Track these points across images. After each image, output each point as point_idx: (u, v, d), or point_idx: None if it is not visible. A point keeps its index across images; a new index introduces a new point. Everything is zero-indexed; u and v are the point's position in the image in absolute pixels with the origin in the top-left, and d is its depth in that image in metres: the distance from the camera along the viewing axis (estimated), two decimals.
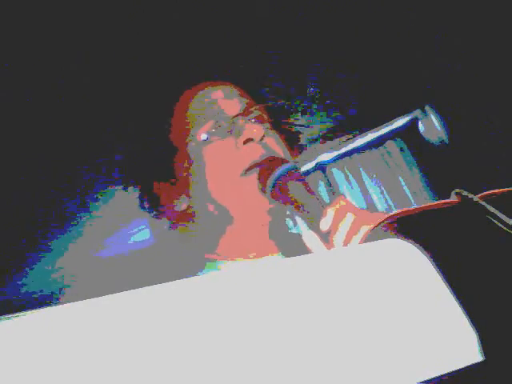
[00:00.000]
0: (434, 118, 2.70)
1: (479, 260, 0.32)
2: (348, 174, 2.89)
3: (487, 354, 0.27)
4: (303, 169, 2.92)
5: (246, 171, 0.70)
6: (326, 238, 0.62)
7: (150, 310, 0.25)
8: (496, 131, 2.26)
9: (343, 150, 2.88)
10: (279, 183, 0.66)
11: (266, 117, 0.79)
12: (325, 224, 0.62)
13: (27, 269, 2.27)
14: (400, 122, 2.80)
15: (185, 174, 0.75)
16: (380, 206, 2.79)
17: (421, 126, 2.78)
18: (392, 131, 2.83)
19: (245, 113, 0.75)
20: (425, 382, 0.26)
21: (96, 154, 1.67)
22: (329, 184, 2.91)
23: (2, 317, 0.24)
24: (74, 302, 0.26)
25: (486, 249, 0.32)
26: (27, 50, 1.35)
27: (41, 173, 1.79)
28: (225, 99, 0.77)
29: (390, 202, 2.77)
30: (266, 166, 0.69)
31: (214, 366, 0.23)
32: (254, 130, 0.72)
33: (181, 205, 0.76)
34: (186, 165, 0.75)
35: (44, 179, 1.82)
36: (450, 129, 2.63)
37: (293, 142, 0.83)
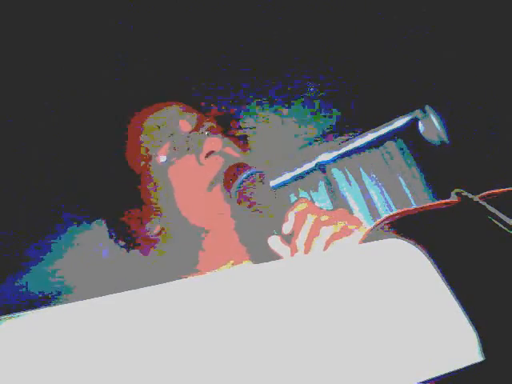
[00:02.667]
0: (434, 118, 2.70)
1: (479, 260, 0.32)
2: (348, 173, 2.89)
3: (487, 354, 0.27)
4: (303, 169, 2.92)
5: (210, 185, 0.71)
6: (289, 241, 0.63)
7: (148, 310, 0.25)
8: (496, 131, 2.26)
9: (343, 150, 2.88)
10: (242, 188, 0.67)
11: (216, 126, 0.79)
12: (286, 228, 0.63)
13: (27, 269, 2.27)
14: (400, 122, 2.80)
15: (152, 197, 0.75)
16: (380, 206, 2.79)
17: (421, 126, 2.78)
18: (392, 131, 2.83)
19: (198, 127, 0.76)
20: (425, 382, 0.26)
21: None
22: (329, 184, 2.91)
23: (2, 317, 0.24)
24: (73, 302, 0.26)
25: (486, 249, 0.32)
26: None
27: (40, 173, 1.79)
28: (176, 118, 0.77)
29: (390, 202, 2.77)
30: (229, 173, 0.70)
31: (213, 365, 0.23)
32: (213, 142, 0.73)
33: (153, 228, 0.75)
34: (151, 189, 0.74)
35: (43, 180, 1.82)
36: (449, 129, 2.63)
37: (242, 143, 0.84)
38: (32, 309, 0.25)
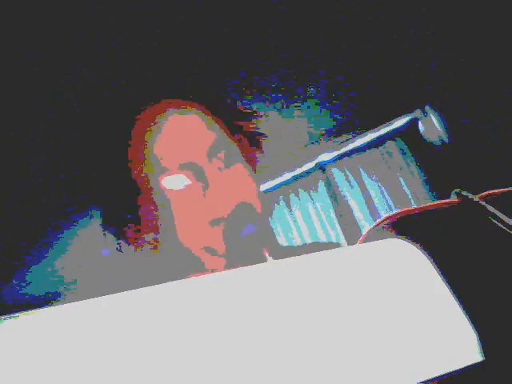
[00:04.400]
0: (433, 118, 2.70)
1: (479, 260, 0.32)
2: (348, 174, 2.89)
3: (487, 354, 0.27)
4: (303, 169, 2.92)
5: (213, 221, 0.66)
6: None
7: (149, 310, 0.25)
8: (496, 131, 2.26)
9: (343, 150, 2.88)
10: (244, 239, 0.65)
11: (235, 148, 0.72)
12: None
13: (27, 269, 2.27)
14: (400, 121, 2.80)
15: (150, 215, 0.70)
16: (380, 206, 2.79)
17: (421, 126, 2.78)
18: (392, 131, 2.84)
19: (212, 153, 0.68)
20: (425, 382, 0.26)
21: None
22: (329, 184, 2.91)
23: (2, 317, 0.24)
24: (74, 302, 0.26)
25: (486, 249, 0.32)
26: None
27: (41, 173, 1.79)
28: (188, 138, 0.68)
29: (390, 202, 2.77)
30: (232, 217, 0.66)
31: (213, 366, 0.23)
32: (222, 180, 0.67)
33: (148, 237, 0.71)
34: (151, 208, 0.69)
35: (44, 179, 1.82)
36: (449, 129, 2.63)
37: (257, 149, 0.79)
38: (32, 309, 0.25)
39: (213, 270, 0.68)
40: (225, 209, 0.66)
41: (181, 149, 0.67)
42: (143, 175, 0.69)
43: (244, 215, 0.65)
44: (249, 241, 0.64)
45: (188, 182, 0.67)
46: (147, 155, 0.68)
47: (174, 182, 0.67)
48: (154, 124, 0.69)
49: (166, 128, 0.69)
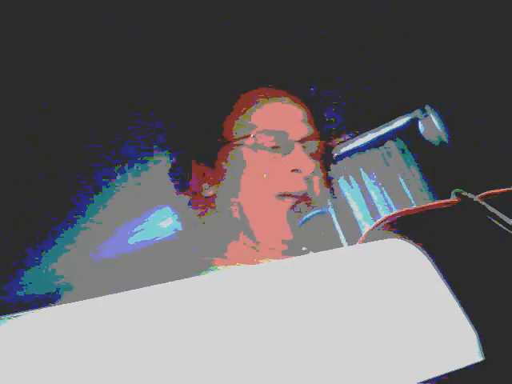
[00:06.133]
0: (434, 118, 2.70)
1: (479, 260, 0.32)
2: (348, 174, 2.89)
3: (487, 354, 0.27)
4: None
5: (280, 196, 0.70)
6: None
7: (149, 310, 0.25)
8: (496, 131, 2.26)
9: (343, 150, 2.88)
10: (308, 223, 0.67)
11: (320, 152, 0.77)
12: None
13: (27, 269, 2.27)
14: (400, 121, 2.80)
15: (223, 168, 0.74)
16: (380, 206, 2.79)
17: (421, 126, 2.78)
18: (392, 131, 2.83)
19: (305, 141, 0.73)
20: (425, 382, 0.26)
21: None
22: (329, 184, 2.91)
23: (2, 317, 0.24)
24: (73, 302, 0.26)
25: (486, 249, 0.32)
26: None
27: (42, 172, 1.79)
28: (293, 121, 0.75)
29: (390, 202, 2.77)
30: (301, 200, 0.69)
31: (214, 366, 0.23)
32: (306, 164, 0.71)
33: (207, 191, 0.75)
34: (226, 162, 0.73)
35: (45, 178, 1.82)
36: (450, 129, 2.63)
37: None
38: (32, 309, 0.25)
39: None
40: (296, 188, 0.69)
41: (282, 120, 0.73)
42: (235, 132, 0.73)
43: (312, 199, 0.68)
44: (312, 224, 0.66)
45: (270, 145, 0.71)
46: (250, 120, 0.73)
47: (263, 146, 0.71)
48: (265, 99, 0.75)
49: (275, 99, 0.75)
